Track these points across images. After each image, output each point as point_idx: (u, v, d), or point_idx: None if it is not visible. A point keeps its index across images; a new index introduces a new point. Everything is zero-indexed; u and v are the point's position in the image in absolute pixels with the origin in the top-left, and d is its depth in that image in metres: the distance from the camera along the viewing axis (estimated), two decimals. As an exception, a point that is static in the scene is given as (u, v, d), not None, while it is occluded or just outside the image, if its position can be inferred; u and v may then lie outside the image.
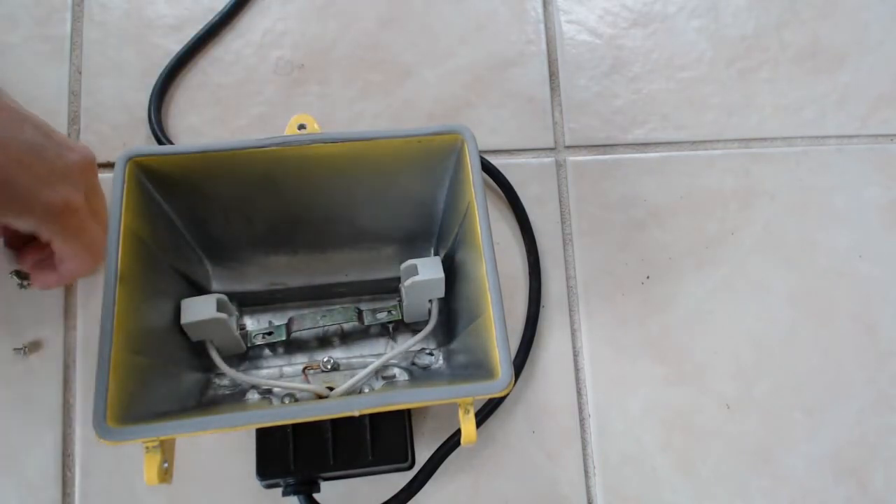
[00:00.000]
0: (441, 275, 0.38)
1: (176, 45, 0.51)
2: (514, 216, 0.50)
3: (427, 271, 0.38)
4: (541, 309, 0.48)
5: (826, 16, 0.57)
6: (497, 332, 0.32)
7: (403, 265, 0.39)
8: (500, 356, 0.32)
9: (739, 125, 0.53)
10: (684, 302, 0.49)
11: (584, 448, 0.46)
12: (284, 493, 0.38)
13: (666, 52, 0.55)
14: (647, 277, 0.50)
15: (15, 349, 0.44)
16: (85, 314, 0.46)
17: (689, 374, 0.48)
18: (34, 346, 0.45)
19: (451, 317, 0.42)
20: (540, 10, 0.55)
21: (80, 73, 0.50)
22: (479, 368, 0.34)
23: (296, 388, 0.38)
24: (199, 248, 0.41)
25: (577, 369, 0.48)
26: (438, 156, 0.38)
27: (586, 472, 0.46)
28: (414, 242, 0.44)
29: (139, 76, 0.50)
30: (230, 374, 0.38)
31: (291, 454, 0.38)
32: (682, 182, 0.52)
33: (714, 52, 0.55)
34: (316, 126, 0.39)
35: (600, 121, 0.53)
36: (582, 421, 0.47)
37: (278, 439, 0.38)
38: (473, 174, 0.36)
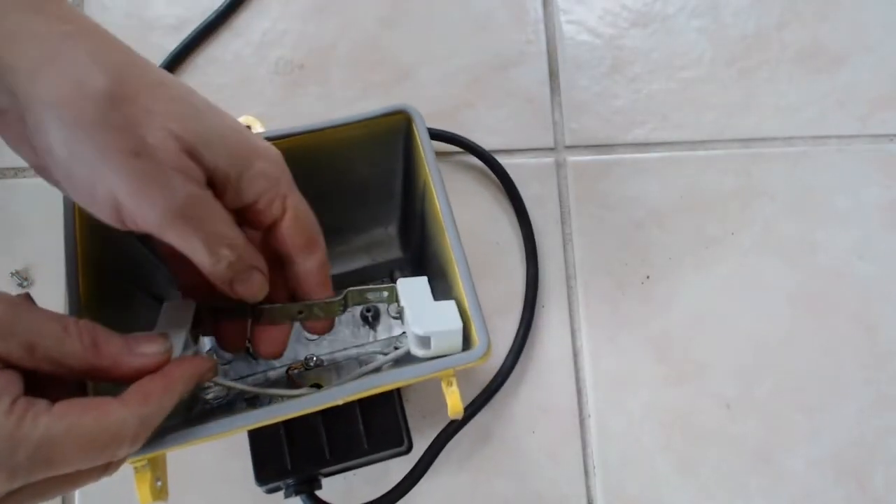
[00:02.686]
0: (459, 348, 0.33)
1: (176, 46, 0.51)
2: (513, 208, 0.50)
3: (442, 342, 0.32)
4: (541, 309, 0.48)
5: (826, 16, 0.57)
6: (469, 302, 0.32)
7: (412, 334, 0.33)
8: (475, 324, 0.31)
9: (739, 125, 0.53)
10: (684, 302, 0.49)
11: (584, 448, 0.46)
12: (286, 495, 0.38)
13: (666, 52, 0.55)
14: (647, 277, 0.50)
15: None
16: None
17: (689, 374, 0.48)
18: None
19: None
20: (540, 10, 0.55)
21: (80, 73, 0.50)
22: None
23: (285, 394, 0.37)
24: (162, 264, 0.40)
25: (577, 369, 0.48)
26: (387, 137, 0.37)
27: (586, 472, 0.46)
28: (379, 229, 0.44)
29: (139, 76, 0.50)
30: (219, 382, 0.38)
31: (287, 455, 0.38)
32: (682, 182, 0.52)
33: (714, 52, 0.55)
34: (259, 126, 0.39)
35: (600, 121, 0.53)
36: (582, 421, 0.47)
37: (272, 442, 0.38)
38: (425, 151, 0.35)
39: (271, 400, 0.38)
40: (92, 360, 0.25)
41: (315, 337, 0.42)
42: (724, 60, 0.55)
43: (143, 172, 0.24)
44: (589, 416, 0.47)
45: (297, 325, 0.42)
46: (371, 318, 0.43)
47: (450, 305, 0.33)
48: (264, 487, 0.38)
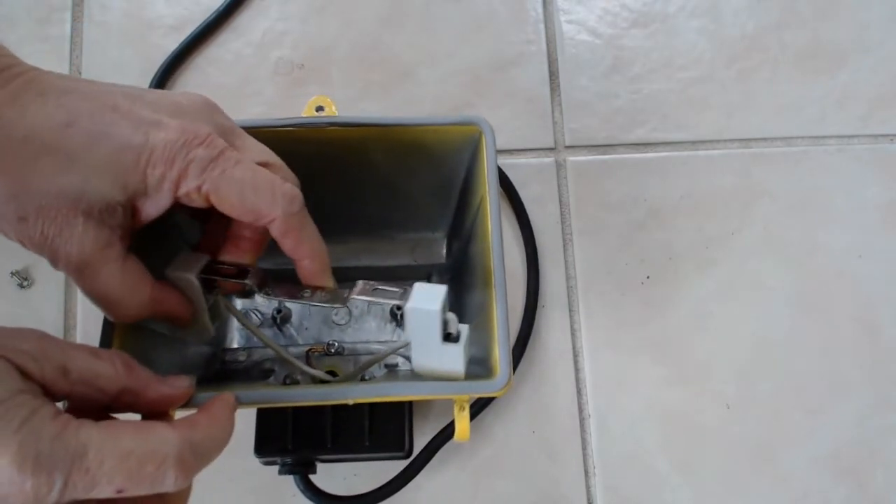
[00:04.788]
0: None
1: (176, 46, 0.51)
2: (512, 209, 0.50)
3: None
4: (541, 309, 0.48)
5: (826, 16, 0.57)
6: (499, 332, 0.32)
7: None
8: (500, 355, 0.31)
9: (739, 125, 0.53)
10: (684, 302, 0.49)
11: (584, 448, 0.46)
12: (281, 472, 0.39)
13: (666, 52, 0.55)
14: (647, 277, 0.50)
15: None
16: (85, 310, 0.46)
17: (689, 374, 0.48)
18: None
19: (458, 309, 0.42)
20: (540, 10, 0.55)
21: (80, 73, 0.50)
22: (478, 364, 0.34)
23: (309, 371, 0.37)
24: (189, 231, 0.40)
25: (577, 369, 0.48)
26: (454, 146, 0.37)
27: (586, 472, 0.46)
28: (427, 232, 0.44)
29: (139, 76, 0.50)
30: (258, 336, 0.37)
31: (290, 435, 0.38)
32: (682, 182, 0.52)
33: (714, 52, 0.55)
34: (334, 109, 0.39)
35: (600, 121, 0.53)
36: (582, 421, 0.47)
37: (278, 419, 0.38)
38: (488, 169, 0.35)
39: (287, 376, 0.38)
40: (125, 380, 0.25)
41: (343, 322, 0.43)
42: (724, 60, 0.55)
43: (32, 236, 0.26)
44: (589, 416, 0.47)
45: (326, 309, 0.42)
46: (399, 317, 0.43)
47: (457, 354, 0.30)
48: (261, 460, 0.38)
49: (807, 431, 0.48)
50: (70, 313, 0.46)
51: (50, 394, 0.24)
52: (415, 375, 0.39)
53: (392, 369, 0.41)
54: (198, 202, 0.28)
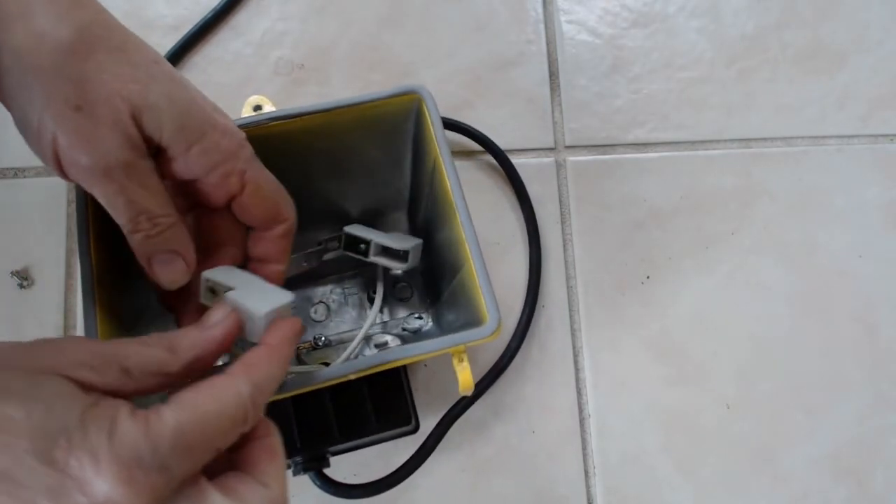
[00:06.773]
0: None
1: (173, 45, 0.51)
2: (513, 191, 0.50)
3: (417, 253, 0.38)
4: (541, 309, 0.48)
5: (826, 16, 0.57)
6: (480, 280, 0.32)
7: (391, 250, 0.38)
8: (486, 302, 0.32)
9: (739, 125, 0.53)
10: (684, 302, 0.49)
11: (584, 448, 0.46)
12: (295, 473, 0.39)
13: (666, 52, 0.55)
14: (647, 277, 0.50)
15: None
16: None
17: (689, 374, 0.48)
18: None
19: (434, 278, 0.42)
20: (540, 10, 0.55)
21: (80, 72, 0.50)
22: (467, 323, 0.35)
23: (302, 371, 0.38)
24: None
25: (577, 369, 0.48)
26: (398, 118, 0.37)
27: (586, 472, 0.46)
28: (387, 212, 0.44)
29: (139, 76, 0.50)
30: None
31: (296, 433, 0.38)
32: (682, 182, 0.52)
33: (714, 52, 0.55)
34: (270, 106, 0.39)
35: (600, 121, 0.53)
36: (582, 421, 0.47)
37: (281, 419, 0.38)
38: (435, 130, 0.35)
39: None
40: (195, 350, 0.25)
41: (323, 318, 0.43)
42: (724, 60, 0.55)
43: (81, 126, 0.25)
44: (589, 416, 0.47)
45: (306, 306, 0.43)
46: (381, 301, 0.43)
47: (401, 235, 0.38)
48: None
49: (807, 431, 0.48)
50: (70, 313, 0.46)
51: (116, 397, 0.23)
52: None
53: (383, 348, 0.41)
54: (227, 188, 0.29)
